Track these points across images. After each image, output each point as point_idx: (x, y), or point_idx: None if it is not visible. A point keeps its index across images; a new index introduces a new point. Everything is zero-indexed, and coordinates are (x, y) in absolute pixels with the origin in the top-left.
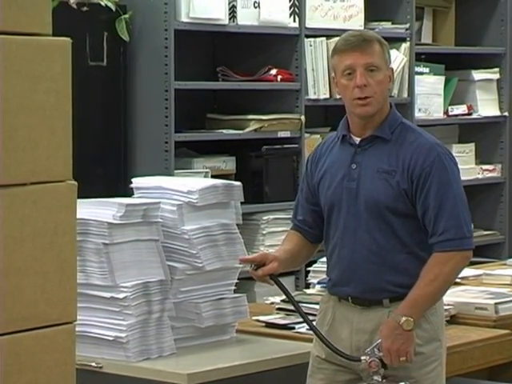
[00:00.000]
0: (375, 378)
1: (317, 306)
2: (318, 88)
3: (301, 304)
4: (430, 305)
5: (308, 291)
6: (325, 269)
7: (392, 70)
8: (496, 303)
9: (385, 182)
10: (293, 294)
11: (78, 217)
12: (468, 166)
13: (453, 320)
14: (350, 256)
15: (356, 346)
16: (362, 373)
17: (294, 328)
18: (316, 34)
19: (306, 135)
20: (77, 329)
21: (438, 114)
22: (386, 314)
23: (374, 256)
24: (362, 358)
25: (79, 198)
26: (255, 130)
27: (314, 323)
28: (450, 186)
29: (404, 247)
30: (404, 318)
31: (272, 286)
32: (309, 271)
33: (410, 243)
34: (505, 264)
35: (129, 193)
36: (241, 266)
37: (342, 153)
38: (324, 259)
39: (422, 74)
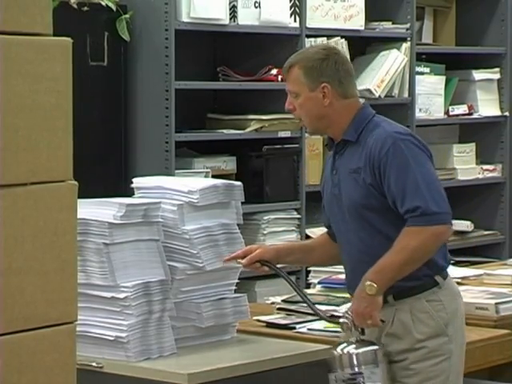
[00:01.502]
0: (350, 339)
1: (318, 306)
2: None
3: (302, 304)
4: (397, 275)
5: (309, 291)
6: (325, 269)
7: (324, 86)
8: (496, 303)
9: (354, 181)
10: (293, 294)
11: (78, 217)
12: (468, 165)
13: None
14: (348, 259)
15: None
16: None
17: (294, 328)
18: (316, 33)
19: (307, 135)
20: (77, 329)
21: (439, 114)
22: (392, 311)
23: (365, 255)
24: (340, 320)
25: (80, 197)
26: (256, 130)
27: None
28: (409, 168)
29: (390, 241)
30: (368, 283)
31: (262, 271)
32: (309, 271)
33: (394, 236)
34: (505, 264)
35: (129, 193)
36: (241, 265)
37: (329, 160)
38: None
39: (422, 73)
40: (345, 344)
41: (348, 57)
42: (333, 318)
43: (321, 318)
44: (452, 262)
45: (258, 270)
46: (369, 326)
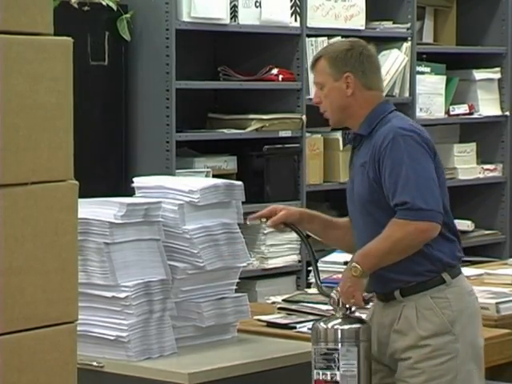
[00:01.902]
0: (337, 314)
1: (318, 306)
2: None
3: (303, 303)
4: (381, 261)
5: (309, 291)
6: (325, 268)
7: (347, 75)
8: (497, 303)
9: (362, 176)
10: (294, 294)
11: (79, 216)
12: (469, 165)
13: None
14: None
15: (380, 340)
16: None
17: (295, 327)
18: (317, 33)
19: (307, 135)
20: (78, 328)
21: (440, 114)
22: (400, 308)
23: None
24: (331, 294)
25: (80, 197)
26: (256, 130)
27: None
28: (403, 163)
29: None
30: (353, 264)
31: (287, 232)
32: (310, 271)
33: None
34: (506, 263)
35: (130, 192)
36: (242, 265)
37: (350, 155)
38: (324, 259)
39: (423, 73)
40: (329, 319)
41: None
42: (322, 291)
43: (324, 295)
44: None
45: (281, 230)
46: (352, 304)
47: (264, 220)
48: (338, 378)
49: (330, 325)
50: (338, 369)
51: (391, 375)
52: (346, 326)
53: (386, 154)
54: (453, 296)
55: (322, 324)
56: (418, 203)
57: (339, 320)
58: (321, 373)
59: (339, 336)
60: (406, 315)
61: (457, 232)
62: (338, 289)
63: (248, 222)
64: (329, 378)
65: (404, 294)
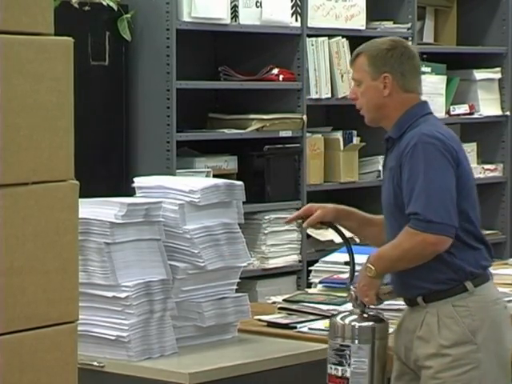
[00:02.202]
0: (354, 311)
1: (318, 306)
2: (320, 87)
3: (303, 303)
4: (392, 266)
5: (310, 291)
6: (326, 268)
7: (385, 76)
8: None
9: (388, 179)
10: (294, 294)
11: (79, 216)
12: None
13: None
14: None
15: (405, 345)
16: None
17: (295, 327)
18: (318, 33)
19: (308, 135)
20: (78, 328)
21: (440, 114)
22: (423, 314)
23: None
24: (350, 290)
25: (81, 197)
26: (257, 130)
27: None
28: (420, 172)
29: None
30: (368, 265)
31: (324, 229)
32: (310, 271)
33: None
34: (506, 263)
35: (131, 192)
36: (242, 265)
37: (384, 157)
38: (325, 259)
39: (423, 73)
40: (347, 314)
41: (350, 57)
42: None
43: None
44: None
45: (318, 229)
46: (366, 303)
47: (300, 221)
48: (348, 375)
49: (346, 321)
50: (349, 365)
51: (417, 379)
52: (361, 323)
53: (407, 161)
54: (474, 305)
55: (338, 319)
56: (428, 215)
57: (356, 316)
58: (333, 368)
59: (353, 332)
60: (428, 322)
61: (483, 239)
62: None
63: (286, 225)
64: (340, 373)
65: (427, 301)
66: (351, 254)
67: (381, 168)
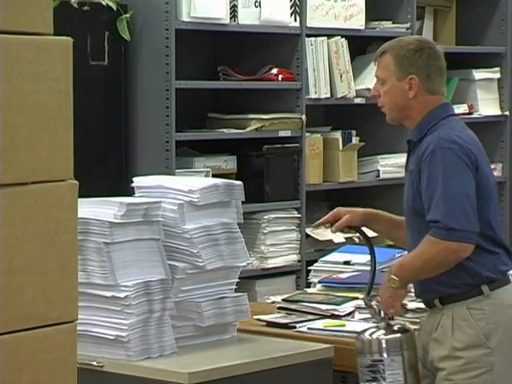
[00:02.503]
0: (379, 325)
1: (317, 305)
2: (319, 87)
3: (302, 303)
4: (415, 275)
5: (309, 290)
6: (325, 268)
7: (411, 77)
8: None
9: (409, 182)
10: (293, 293)
11: (79, 216)
12: None
13: None
14: None
15: (422, 346)
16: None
17: (294, 327)
18: (317, 33)
19: (307, 134)
20: (78, 328)
21: None
22: (439, 316)
23: None
24: (372, 303)
25: (80, 197)
26: (256, 130)
27: None
28: (439, 178)
29: None
30: (392, 276)
31: (353, 233)
32: (310, 270)
33: None
34: None
35: (130, 192)
36: (241, 264)
37: (406, 159)
38: (324, 258)
39: None
40: (373, 329)
41: (349, 57)
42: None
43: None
44: None
45: (346, 233)
46: (391, 314)
47: (328, 225)
48: None
49: (373, 336)
50: (385, 379)
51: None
52: (389, 336)
53: (425, 167)
54: (489, 308)
55: (365, 335)
56: (449, 223)
57: (382, 330)
58: None
59: (383, 346)
60: (443, 324)
61: (502, 243)
62: (379, 299)
63: (314, 230)
64: None
65: (443, 303)
66: (373, 263)
67: (380, 168)
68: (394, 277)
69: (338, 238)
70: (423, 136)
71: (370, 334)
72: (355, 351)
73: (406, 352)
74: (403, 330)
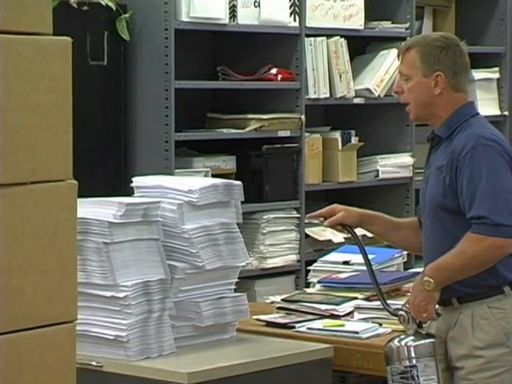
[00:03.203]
0: (408, 332)
1: (317, 305)
2: (319, 87)
3: (301, 303)
4: (454, 276)
5: (308, 290)
6: (324, 268)
7: (438, 74)
8: None
9: (437, 179)
10: (292, 293)
11: (78, 216)
12: None
13: None
14: (424, 256)
15: (437, 344)
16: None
17: (294, 327)
18: (316, 33)
19: (306, 134)
20: (77, 328)
21: None
22: (456, 315)
23: (437, 255)
24: (399, 312)
25: (79, 197)
26: (255, 130)
27: None
28: (482, 175)
29: None
30: (426, 278)
31: (346, 233)
32: (309, 270)
33: None
34: None
35: (129, 192)
36: (241, 264)
37: (428, 154)
38: (324, 258)
39: None
40: (402, 336)
41: (348, 57)
42: (396, 312)
43: (386, 310)
44: None
45: (338, 231)
46: (424, 319)
47: (322, 219)
48: None
49: (405, 342)
50: None
51: (452, 378)
52: (421, 342)
53: (466, 163)
54: (510, 307)
55: (395, 343)
56: (496, 218)
57: (412, 337)
58: None
59: (416, 352)
60: (462, 323)
61: None
62: (407, 305)
63: (306, 221)
64: None
65: (461, 301)
66: (369, 264)
67: (379, 168)
68: (429, 279)
69: (338, 238)
70: (452, 133)
71: (399, 341)
72: (386, 360)
73: (438, 356)
74: (431, 335)
